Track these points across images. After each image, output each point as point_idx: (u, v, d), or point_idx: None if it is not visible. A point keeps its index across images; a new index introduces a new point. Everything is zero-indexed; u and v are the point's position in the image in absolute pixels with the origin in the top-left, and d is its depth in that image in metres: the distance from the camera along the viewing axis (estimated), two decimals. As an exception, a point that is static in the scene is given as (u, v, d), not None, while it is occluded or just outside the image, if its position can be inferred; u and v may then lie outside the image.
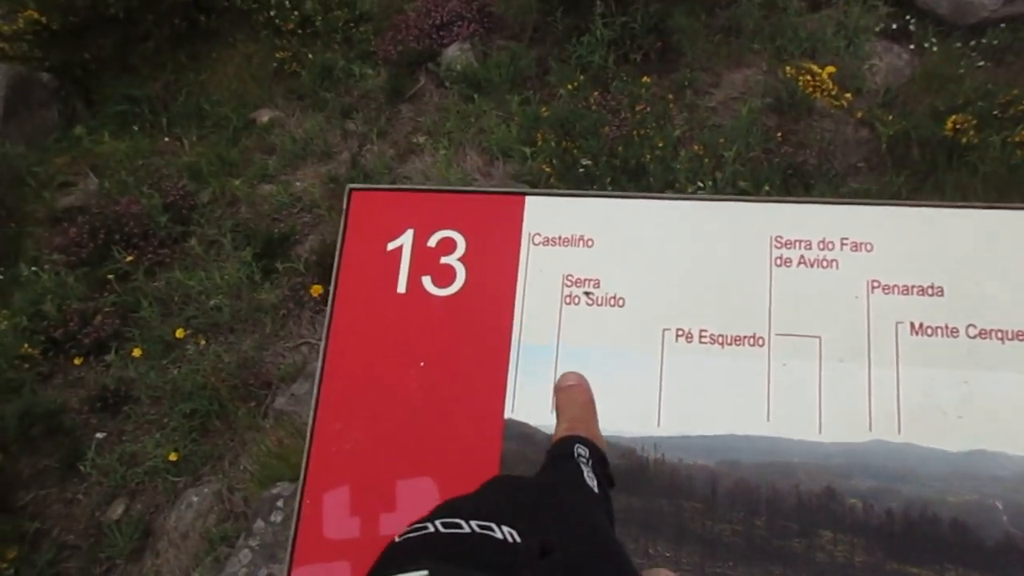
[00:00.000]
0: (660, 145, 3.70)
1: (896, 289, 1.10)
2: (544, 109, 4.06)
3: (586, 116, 3.91)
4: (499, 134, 4.25)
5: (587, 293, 1.14)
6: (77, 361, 3.87)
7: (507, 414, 1.12)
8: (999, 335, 1.07)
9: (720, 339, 1.11)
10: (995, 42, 4.75)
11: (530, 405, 1.12)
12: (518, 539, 0.43)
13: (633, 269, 1.15)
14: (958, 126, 3.59)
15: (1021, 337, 1.06)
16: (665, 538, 1.06)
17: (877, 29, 4.77)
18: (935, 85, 4.41)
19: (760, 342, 1.10)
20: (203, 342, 3.87)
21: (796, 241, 1.13)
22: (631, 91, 4.00)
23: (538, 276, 1.16)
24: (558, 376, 0.81)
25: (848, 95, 4.08)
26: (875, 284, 1.11)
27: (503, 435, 1.11)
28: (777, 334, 1.10)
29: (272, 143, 4.86)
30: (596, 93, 4.04)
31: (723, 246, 1.14)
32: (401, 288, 1.17)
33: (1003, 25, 4.88)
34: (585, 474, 0.61)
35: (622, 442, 1.09)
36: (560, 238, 1.17)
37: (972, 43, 4.75)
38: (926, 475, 1.04)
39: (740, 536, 1.05)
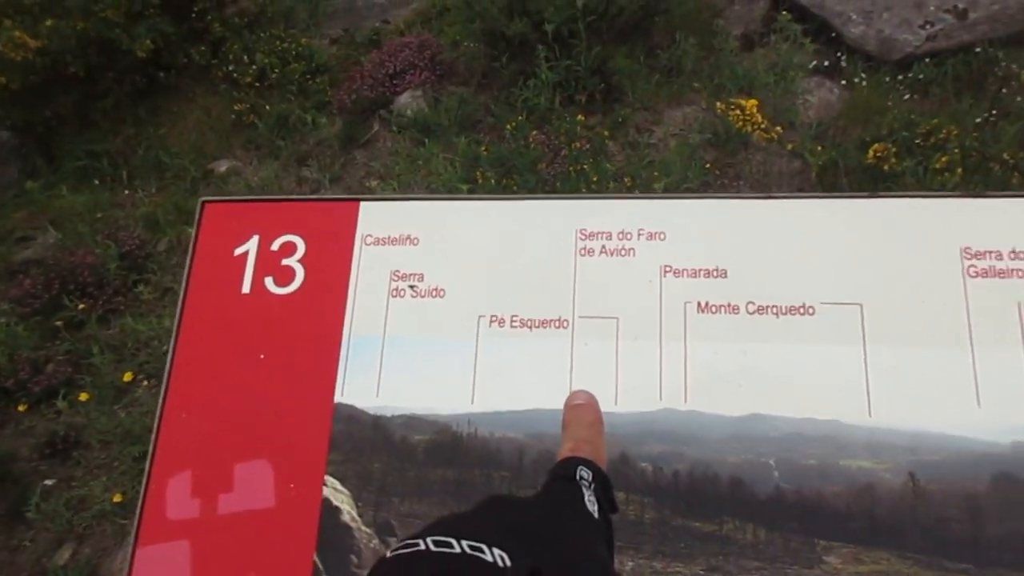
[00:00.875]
0: (595, 180, 3.85)
1: (685, 273, 1.21)
2: (484, 149, 4.22)
3: (525, 154, 4.07)
4: (445, 175, 4.41)
5: (412, 286, 1.25)
6: (23, 408, 3.94)
7: (337, 398, 1.22)
8: (774, 311, 1.18)
9: (529, 323, 1.21)
10: (920, 76, 4.95)
11: (358, 389, 1.22)
12: (508, 563, 0.43)
13: (454, 263, 1.26)
14: (879, 155, 3.75)
15: (792, 312, 1.17)
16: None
17: (810, 66, 4.98)
18: (863, 117, 4.60)
19: (565, 324, 1.21)
20: (152, 384, 3.94)
21: (598, 233, 1.25)
22: (569, 129, 4.17)
23: (368, 273, 1.27)
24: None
25: (779, 128, 4.26)
26: (667, 269, 1.22)
27: (333, 417, 1.21)
28: (580, 317, 1.21)
29: (229, 192, 5.00)
30: (535, 132, 4.21)
31: (534, 240, 1.26)
32: (245, 288, 1.28)
33: (927, 60, 5.09)
34: (586, 497, 0.60)
35: (439, 419, 1.19)
36: (389, 238, 1.29)
37: (899, 77, 4.96)
38: (708, 438, 1.14)
39: (542, 501, 1.14)
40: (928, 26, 4.80)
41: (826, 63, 5.22)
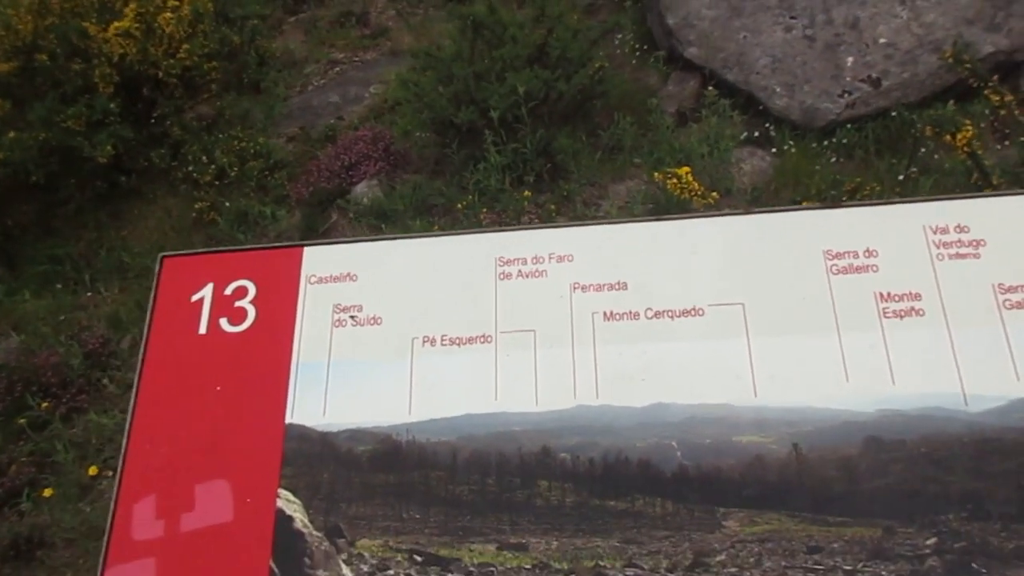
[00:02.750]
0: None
1: (592, 288, 1.39)
2: (437, 227, 4.43)
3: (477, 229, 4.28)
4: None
5: (352, 317, 1.41)
6: (-12, 509, 3.91)
7: (288, 419, 1.35)
8: (669, 314, 1.36)
9: (457, 340, 1.37)
10: (844, 140, 5.31)
11: (307, 410, 1.36)
12: None
13: (389, 294, 1.43)
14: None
15: (685, 314, 1.35)
16: (416, 504, 1.28)
17: (741, 137, 5.34)
18: (793, 180, 4.92)
19: (488, 339, 1.37)
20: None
21: (515, 259, 1.43)
22: (516, 206, 4.41)
23: (313, 308, 1.43)
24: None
25: (715, 194, 4.54)
26: (576, 285, 1.40)
27: (284, 437, 1.34)
28: (502, 332, 1.37)
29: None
30: (484, 210, 4.45)
31: (459, 269, 1.44)
32: (202, 330, 1.43)
33: (849, 125, 5.45)
34: None
35: (380, 430, 1.33)
36: (331, 276, 1.45)
37: (824, 142, 5.32)
38: (619, 427, 1.29)
39: (475, 494, 1.28)
40: (846, 95, 5.15)
41: (756, 133, 5.59)
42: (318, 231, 5.46)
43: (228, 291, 1.45)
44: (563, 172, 5.31)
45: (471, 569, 1.22)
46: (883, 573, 1.15)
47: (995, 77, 4.31)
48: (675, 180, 4.88)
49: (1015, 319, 1.27)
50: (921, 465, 1.21)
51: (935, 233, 1.35)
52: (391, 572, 1.23)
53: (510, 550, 1.23)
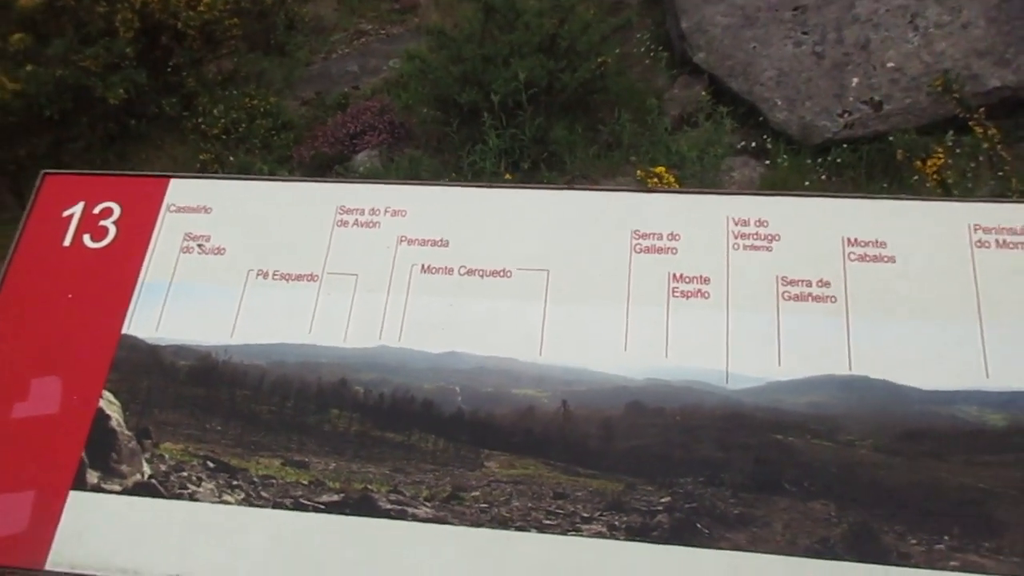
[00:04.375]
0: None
1: (417, 242, 1.50)
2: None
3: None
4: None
5: (199, 245, 1.54)
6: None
7: (124, 330, 1.48)
8: (480, 273, 1.46)
9: (287, 276, 1.49)
10: (838, 159, 5.32)
11: (143, 324, 1.49)
12: None
13: (236, 229, 1.55)
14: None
15: (494, 275, 1.45)
16: (219, 417, 1.41)
17: (738, 146, 5.37)
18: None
19: (315, 279, 1.49)
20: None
21: (354, 209, 1.54)
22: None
23: (167, 233, 1.56)
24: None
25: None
26: (403, 238, 1.51)
27: (118, 345, 1.47)
28: (328, 273, 1.49)
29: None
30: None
31: (302, 214, 1.55)
32: (66, 243, 1.56)
33: (845, 145, 5.45)
34: None
35: (202, 348, 1.46)
36: (189, 207, 1.58)
37: (819, 160, 5.33)
38: (411, 369, 1.40)
39: (273, 415, 1.40)
40: (846, 115, 5.14)
41: (753, 144, 5.61)
42: (308, 193, 5.59)
43: (96, 210, 1.58)
44: (559, 162, 5.39)
45: (255, 479, 1.35)
46: (615, 523, 1.25)
47: (981, 109, 4.29)
48: (655, 180, 4.96)
49: (789, 310, 1.36)
50: (673, 431, 1.30)
51: (736, 224, 1.44)
52: (185, 473, 1.36)
53: (292, 466, 1.35)
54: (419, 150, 5.82)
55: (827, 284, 1.37)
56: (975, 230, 1.37)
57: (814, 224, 1.42)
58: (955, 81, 4.45)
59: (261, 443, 1.38)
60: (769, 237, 1.42)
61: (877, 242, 1.39)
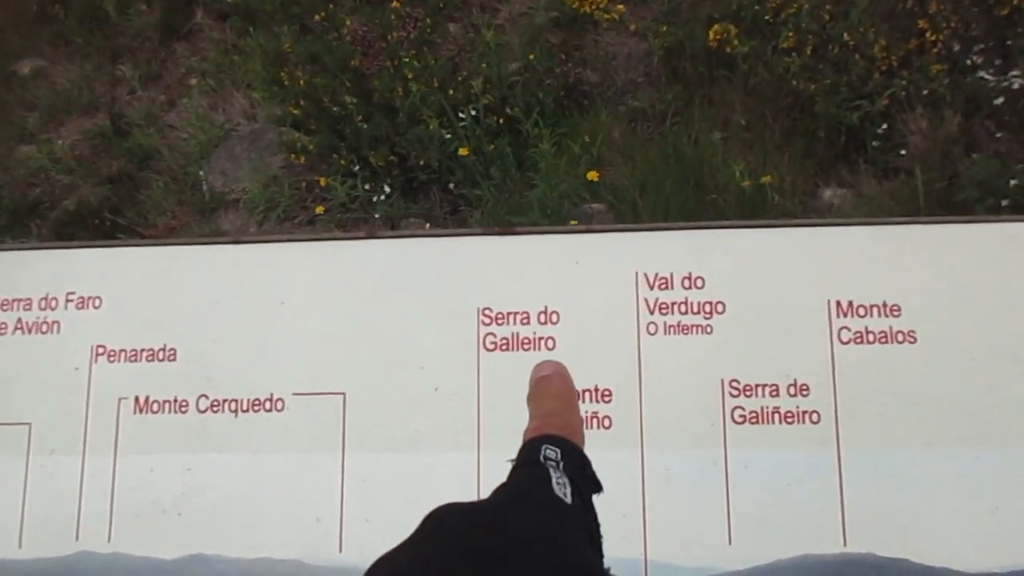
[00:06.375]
0: (411, 77, 3.38)
1: (124, 355, 0.87)
2: (287, 45, 3.69)
3: (338, 49, 3.56)
4: (264, 74, 3.90)
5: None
6: None
7: None
8: (232, 406, 0.86)
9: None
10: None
11: None
12: None
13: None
14: (719, 36, 3.31)
15: (255, 408, 0.85)
16: None
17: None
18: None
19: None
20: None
21: (14, 301, 0.89)
22: (383, 18, 3.64)
23: None
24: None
25: (621, 6, 3.75)
26: (100, 350, 0.88)
27: None
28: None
29: (34, 97, 4.44)
30: (348, 20, 3.68)
31: None
32: None
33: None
34: (553, 480, 0.49)
35: None
36: None
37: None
38: (134, 590, 0.84)
39: None
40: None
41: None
42: (180, 32, 4.65)
43: None
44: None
45: None
46: None
47: None
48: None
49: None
50: None
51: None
52: None
53: None
54: None
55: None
56: None
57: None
58: None
59: None
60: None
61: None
